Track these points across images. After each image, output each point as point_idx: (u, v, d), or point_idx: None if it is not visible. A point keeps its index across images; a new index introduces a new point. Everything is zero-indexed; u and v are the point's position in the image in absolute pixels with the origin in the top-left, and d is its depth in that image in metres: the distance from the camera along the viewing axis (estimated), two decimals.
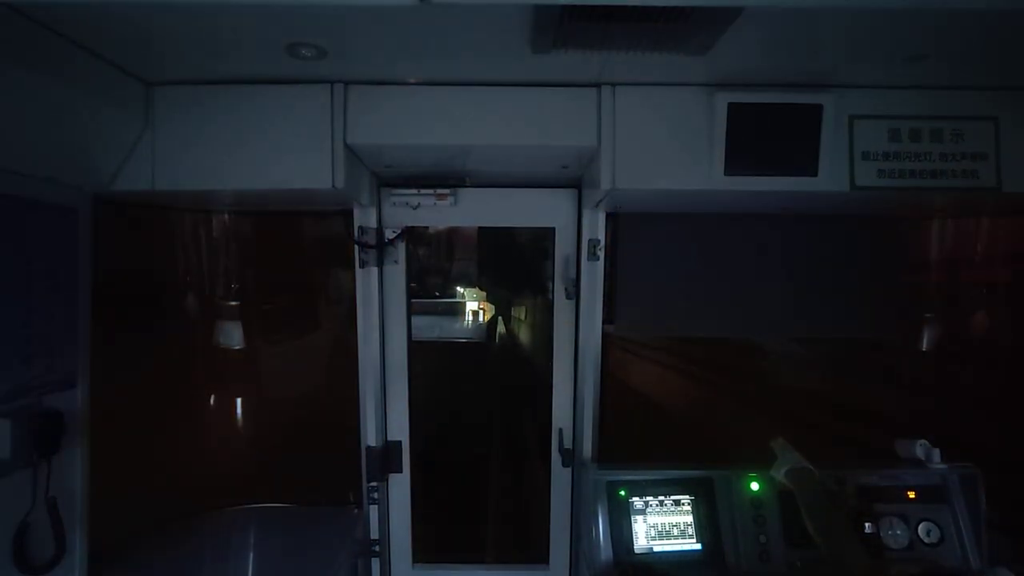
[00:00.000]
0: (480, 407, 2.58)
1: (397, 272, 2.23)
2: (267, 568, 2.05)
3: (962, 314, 2.26)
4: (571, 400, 2.28)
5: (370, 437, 2.19)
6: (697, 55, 1.39)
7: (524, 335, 2.67)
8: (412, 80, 1.65)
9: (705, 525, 1.74)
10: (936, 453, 1.81)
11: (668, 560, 1.69)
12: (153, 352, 2.10)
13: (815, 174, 1.60)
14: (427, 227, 2.39)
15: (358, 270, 2.14)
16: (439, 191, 2.09)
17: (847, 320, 2.19)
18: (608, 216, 2.07)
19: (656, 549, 1.71)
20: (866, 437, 2.20)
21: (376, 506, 2.23)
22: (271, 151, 1.63)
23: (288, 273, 2.37)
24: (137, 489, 1.95)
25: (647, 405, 2.33)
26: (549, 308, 2.28)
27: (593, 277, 2.08)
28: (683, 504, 1.76)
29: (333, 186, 1.65)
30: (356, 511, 2.23)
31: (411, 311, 2.29)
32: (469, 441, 2.56)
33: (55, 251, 1.53)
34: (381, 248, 2.18)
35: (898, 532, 1.71)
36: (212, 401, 2.32)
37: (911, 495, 1.77)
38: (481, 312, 2.75)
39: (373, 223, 2.15)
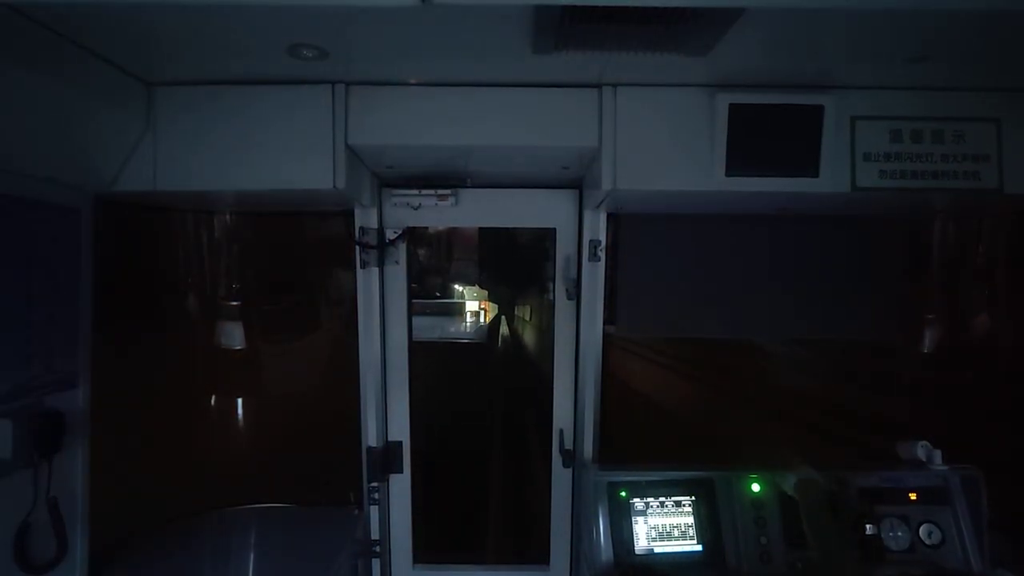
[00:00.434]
0: (480, 407, 2.57)
1: (398, 272, 2.23)
2: (268, 568, 2.04)
3: (964, 316, 2.26)
4: (572, 401, 2.28)
5: (371, 437, 2.19)
6: (698, 56, 1.39)
7: (525, 335, 2.67)
8: (413, 81, 1.65)
9: (706, 526, 1.73)
10: (937, 455, 1.80)
11: (669, 561, 1.69)
12: (154, 352, 2.10)
13: (816, 175, 1.60)
14: (428, 228, 2.39)
15: (359, 270, 2.15)
16: (440, 192, 2.09)
17: (848, 321, 2.19)
18: (609, 217, 2.07)
19: (657, 550, 1.71)
20: (866, 438, 2.20)
21: (377, 506, 2.24)
22: (272, 152, 1.63)
23: (289, 273, 2.37)
24: (138, 489, 1.95)
25: (648, 406, 2.33)
26: (550, 309, 2.28)
27: (594, 278, 2.08)
28: (684, 505, 1.76)
29: (334, 187, 1.65)
30: (357, 511, 2.23)
31: (412, 311, 2.29)
32: (470, 442, 2.56)
33: (57, 251, 1.53)
34: (382, 248, 2.18)
35: (899, 534, 1.71)
36: (213, 401, 2.32)
37: (912, 497, 1.76)
38: (482, 312, 2.75)
39: (374, 223, 2.15)
